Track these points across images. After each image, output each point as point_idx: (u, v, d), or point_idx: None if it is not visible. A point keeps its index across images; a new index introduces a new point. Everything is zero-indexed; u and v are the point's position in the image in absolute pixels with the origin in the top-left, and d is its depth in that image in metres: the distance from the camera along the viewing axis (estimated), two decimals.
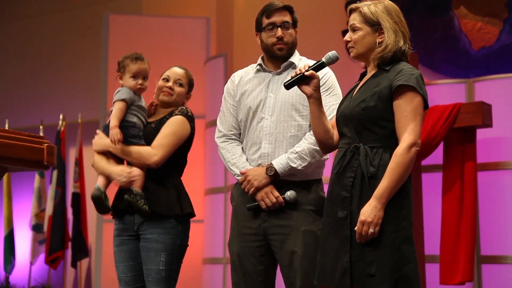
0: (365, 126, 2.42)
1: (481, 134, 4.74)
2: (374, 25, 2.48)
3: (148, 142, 2.92)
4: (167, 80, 3.02)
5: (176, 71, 3.04)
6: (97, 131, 3.02)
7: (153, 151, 2.89)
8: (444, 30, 5.53)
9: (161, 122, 2.97)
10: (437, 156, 4.80)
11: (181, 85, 3.03)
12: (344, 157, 2.44)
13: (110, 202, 2.95)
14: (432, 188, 4.89)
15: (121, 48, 6.21)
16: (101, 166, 2.94)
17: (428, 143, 4.55)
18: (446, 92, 4.99)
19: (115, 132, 2.86)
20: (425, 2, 5.59)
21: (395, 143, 2.41)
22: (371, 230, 2.30)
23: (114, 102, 2.95)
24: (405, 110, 2.37)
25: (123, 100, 2.92)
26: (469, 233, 4.49)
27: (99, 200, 2.86)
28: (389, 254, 2.33)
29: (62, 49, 7.93)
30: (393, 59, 2.48)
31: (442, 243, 4.58)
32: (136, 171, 2.87)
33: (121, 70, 3.02)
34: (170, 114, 2.98)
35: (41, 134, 7.31)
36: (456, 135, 4.63)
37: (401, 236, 2.35)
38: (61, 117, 7.14)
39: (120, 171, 2.88)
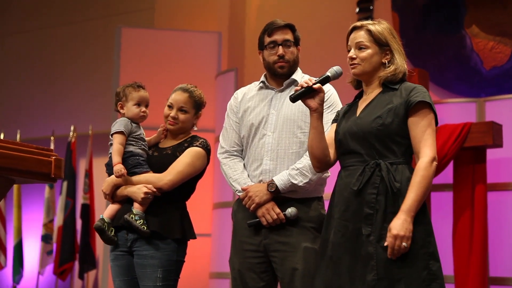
0: (382, 142, 2.43)
1: (491, 154, 4.72)
2: (383, 45, 2.52)
3: (164, 168, 2.91)
4: (171, 107, 2.99)
5: (178, 98, 2.98)
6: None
7: (165, 174, 2.88)
8: (455, 49, 5.52)
9: (179, 149, 2.96)
10: (446, 175, 4.78)
11: (185, 111, 2.98)
12: (364, 174, 2.43)
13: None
14: (441, 207, 4.86)
15: (133, 61, 6.26)
16: (121, 192, 2.93)
17: (438, 162, 4.53)
18: (456, 111, 4.98)
19: (118, 168, 2.86)
20: (437, 20, 5.59)
21: (410, 158, 2.44)
22: (404, 244, 2.30)
23: (112, 135, 2.94)
24: (424, 125, 2.41)
25: (121, 132, 2.92)
26: (480, 255, 4.47)
27: (102, 231, 2.88)
28: (417, 270, 2.33)
29: (74, 61, 8.00)
30: (400, 80, 2.54)
31: (455, 265, 4.54)
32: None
33: (123, 98, 2.99)
34: (190, 143, 2.97)
35: (52, 145, 7.36)
36: (466, 154, 4.61)
37: (428, 252, 2.36)
38: (72, 128, 7.19)
39: (137, 189, 2.87)
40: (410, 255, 2.33)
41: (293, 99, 2.52)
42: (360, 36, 2.53)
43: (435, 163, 2.39)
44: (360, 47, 2.52)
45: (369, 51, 2.51)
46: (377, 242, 2.36)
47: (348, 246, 2.42)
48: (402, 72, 2.52)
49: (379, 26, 2.53)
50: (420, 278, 2.32)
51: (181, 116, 2.98)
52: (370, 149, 2.45)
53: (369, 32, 2.52)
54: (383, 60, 2.52)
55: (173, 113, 2.97)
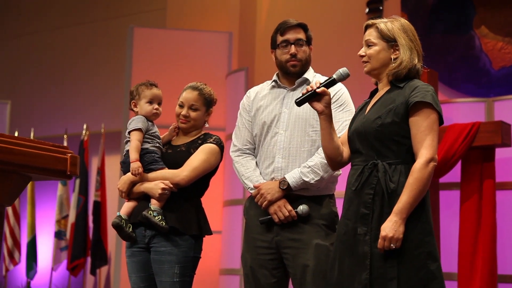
0: (382, 142, 2.43)
1: (500, 153, 4.73)
2: (390, 41, 2.50)
3: (178, 165, 2.93)
4: (182, 106, 3.03)
5: (189, 97, 3.02)
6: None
7: (181, 170, 2.91)
8: (464, 49, 5.53)
9: (192, 146, 2.99)
10: (455, 174, 4.80)
11: (195, 109, 3.01)
12: (362, 174, 2.45)
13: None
14: (449, 205, 4.88)
15: (145, 60, 6.31)
16: (138, 189, 2.95)
17: (447, 161, 4.56)
18: (465, 110, 5.00)
19: (136, 166, 2.88)
20: (446, 21, 5.60)
21: (412, 158, 2.41)
22: (392, 245, 2.31)
23: (129, 132, 2.96)
24: (422, 125, 2.39)
25: (139, 129, 2.94)
26: (488, 252, 4.47)
27: (119, 228, 2.90)
28: (414, 270, 2.33)
29: (86, 61, 8.07)
30: (406, 76, 2.50)
31: (460, 261, 4.56)
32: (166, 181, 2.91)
33: (136, 96, 3.02)
34: (204, 140, 3.00)
35: (65, 143, 7.43)
36: (475, 153, 4.62)
37: (425, 252, 2.35)
38: (84, 127, 7.26)
39: (154, 185, 2.90)
40: (405, 254, 2.33)
41: (298, 103, 2.56)
42: (369, 33, 2.54)
43: (432, 163, 2.36)
44: (368, 44, 2.53)
45: (375, 48, 2.51)
46: (373, 242, 2.37)
47: (348, 244, 2.45)
48: (407, 67, 2.47)
49: (391, 23, 2.51)
50: (417, 277, 2.32)
51: (192, 114, 3.01)
52: (370, 149, 2.46)
53: (377, 29, 2.52)
54: (392, 56, 2.50)
55: (184, 111, 3.01)
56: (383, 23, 2.52)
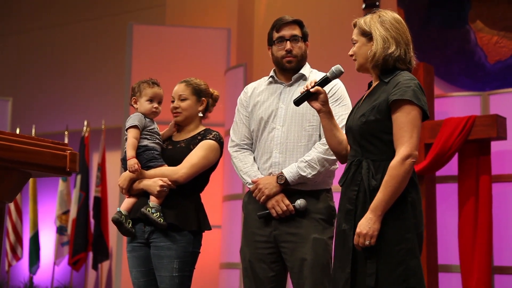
0: (366, 139, 2.45)
1: (496, 146, 4.76)
2: (368, 35, 2.50)
3: (178, 161, 2.96)
4: (173, 101, 3.07)
5: (176, 89, 3.08)
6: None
7: (180, 167, 2.93)
8: (460, 44, 5.55)
9: (192, 142, 3.01)
10: (451, 167, 4.84)
11: (184, 99, 3.05)
12: (349, 170, 2.48)
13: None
14: (446, 198, 4.93)
15: (145, 57, 6.35)
16: (137, 186, 2.98)
17: (443, 154, 4.59)
18: (461, 104, 5.03)
19: (132, 162, 2.91)
20: (442, 15, 5.62)
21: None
22: (366, 242, 2.33)
23: (126, 130, 2.99)
24: (402, 122, 2.37)
25: (135, 126, 2.97)
26: (485, 245, 4.51)
27: (119, 223, 2.93)
28: (393, 266, 2.34)
29: (87, 58, 8.11)
30: (387, 67, 2.48)
31: (461, 254, 4.61)
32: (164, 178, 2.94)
33: (137, 93, 3.05)
34: (203, 136, 3.02)
35: (66, 139, 7.49)
36: (471, 147, 4.65)
37: (405, 248, 2.35)
38: (85, 123, 7.31)
39: (153, 182, 2.93)
40: (386, 251, 2.34)
41: (296, 103, 2.62)
42: (353, 32, 2.57)
43: (409, 160, 2.34)
44: (353, 43, 2.56)
45: (357, 44, 2.53)
46: None
47: (339, 238, 2.49)
48: (381, 57, 2.44)
49: (370, 17, 2.51)
50: (395, 273, 2.33)
51: (182, 104, 3.04)
52: (357, 145, 2.48)
53: (357, 26, 2.55)
54: (371, 49, 2.48)
55: (174, 104, 3.05)
56: (363, 19, 2.53)
